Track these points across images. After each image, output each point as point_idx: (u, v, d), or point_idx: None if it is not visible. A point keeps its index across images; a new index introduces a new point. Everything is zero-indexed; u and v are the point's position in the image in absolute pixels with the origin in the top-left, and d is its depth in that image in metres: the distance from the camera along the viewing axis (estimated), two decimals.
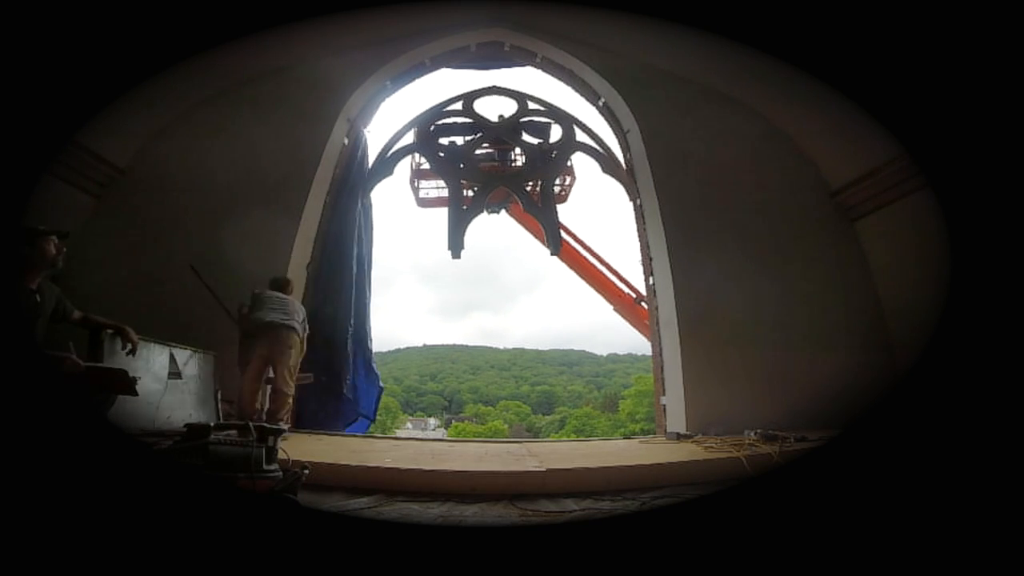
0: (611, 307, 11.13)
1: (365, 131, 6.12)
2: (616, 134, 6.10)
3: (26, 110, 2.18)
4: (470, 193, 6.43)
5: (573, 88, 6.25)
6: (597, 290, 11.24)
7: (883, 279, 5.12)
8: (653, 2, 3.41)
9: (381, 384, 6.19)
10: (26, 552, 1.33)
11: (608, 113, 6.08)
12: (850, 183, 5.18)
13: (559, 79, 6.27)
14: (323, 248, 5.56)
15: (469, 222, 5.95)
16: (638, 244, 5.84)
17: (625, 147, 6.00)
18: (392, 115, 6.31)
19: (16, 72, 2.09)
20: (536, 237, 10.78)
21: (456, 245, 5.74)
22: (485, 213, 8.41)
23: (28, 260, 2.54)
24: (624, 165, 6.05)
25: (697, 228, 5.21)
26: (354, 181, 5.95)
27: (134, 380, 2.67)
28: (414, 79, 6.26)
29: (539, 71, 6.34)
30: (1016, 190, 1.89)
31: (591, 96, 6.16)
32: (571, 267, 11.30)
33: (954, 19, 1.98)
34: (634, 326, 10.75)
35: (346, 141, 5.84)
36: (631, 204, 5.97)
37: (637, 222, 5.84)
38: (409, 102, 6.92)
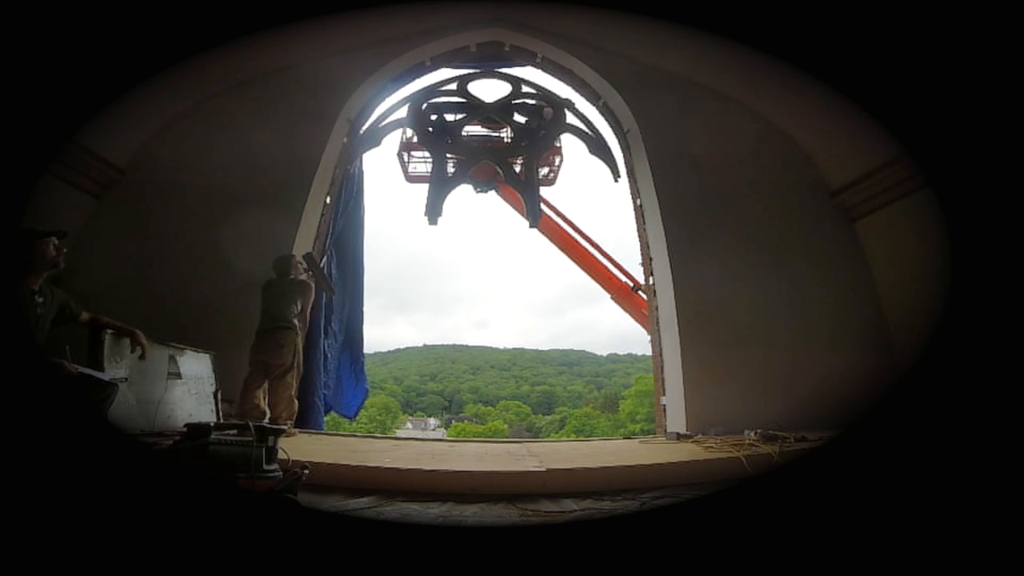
0: (608, 296, 11.08)
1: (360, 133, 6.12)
2: (616, 134, 6.09)
3: (26, 110, 2.18)
4: (452, 172, 6.41)
5: (573, 88, 6.24)
6: (594, 278, 11.19)
7: (883, 279, 5.11)
8: (653, 2, 3.41)
9: (367, 387, 6.27)
10: (26, 552, 1.33)
11: (608, 113, 6.08)
12: (850, 183, 5.17)
13: (559, 79, 6.27)
14: (326, 249, 5.59)
15: (450, 191, 5.95)
16: (638, 244, 5.84)
17: (625, 147, 5.99)
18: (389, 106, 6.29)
19: (16, 72, 2.09)
20: (521, 213, 10.75)
21: (434, 212, 5.73)
22: (474, 191, 8.49)
23: (28, 262, 2.54)
24: (624, 164, 6.06)
25: (697, 228, 5.21)
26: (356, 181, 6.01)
27: (111, 391, 2.63)
28: (414, 79, 6.25)
29: (539, 71, 6.34)
30: (1016, 190, 1.89)
31: (591, 96, 6.15)
32: (567, 254, 11.25)
33: (954, 19, 1.97)
34: (631, 315, 10.65)
35: (345, 141, 5.84)
36: (631, 204, 5.98)
37: (637, 222, 5.84)
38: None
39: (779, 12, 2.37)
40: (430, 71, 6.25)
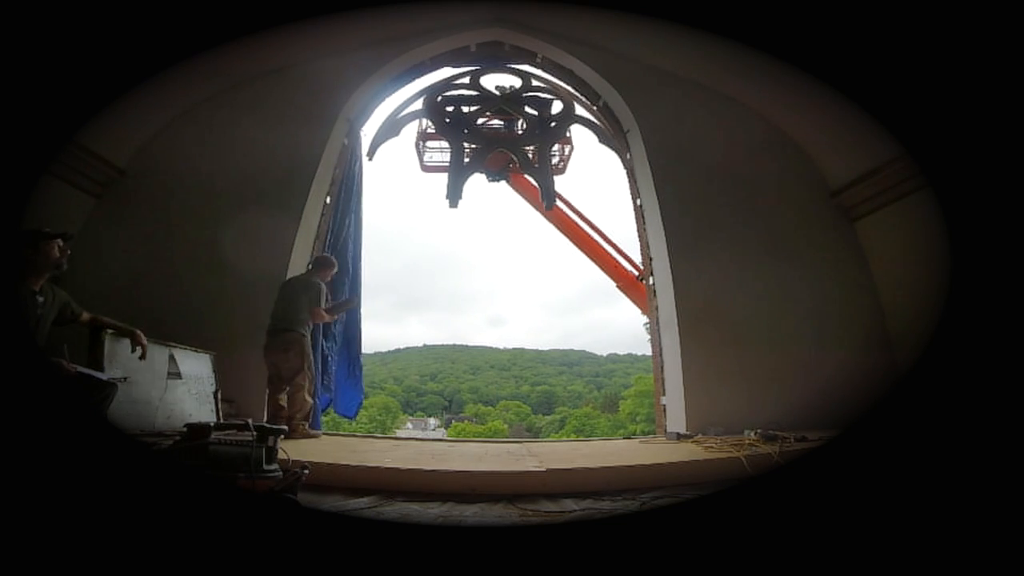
0: (614, 284, 11.19)
1: (362, 132, 6.16)
2: (616, 134, 6.10)
3: (26, 110, 2.18)
4: (468, 160, 6.61)
5: (573, 88, 6.25)
6: (600, 266, 11.30)
7: (883, 279, 5.11)
8: (653, 2, 3.41)
9: (363, 387, 6.33)
10: (26, 552, 1.33)
11: (608, 113, 6.08)
12: (850, 183, 5.17)
13: (559, 79, 6.28)
14: (324, 249, 5.59)
15: (468, 176, 6.26)
16: (639, 244, 5.85)
17: (625, 147, 5.99)
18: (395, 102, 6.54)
19: (16, 72, 2.09)
20: (532, 202, 11.13)
21: (454, 196, 6.06)
22: (486, 180, 8.85)
23: (31, 262, 2.54)
24: (624, 164, 6.06)
25: (697, 228, 5.20)
26: (353, 181, 6.04)
27: (110, 391, 2.65)
28: (414, 79, 6.26)
29: (539, 71, 6.36)
30: (1016, 190, 1.89)
31: (591, 96, 6.15)
32: (574, 243, 11.38)
33: (954, 19, 1.97)
34: (636, 304, 10.81)
35: (346, 141, 5.83)
36: (631, 204, 5.98)
37: (637, 222, 5.84)
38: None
39: (779, 12, 2.37)
40: (430, 71, 6.28)
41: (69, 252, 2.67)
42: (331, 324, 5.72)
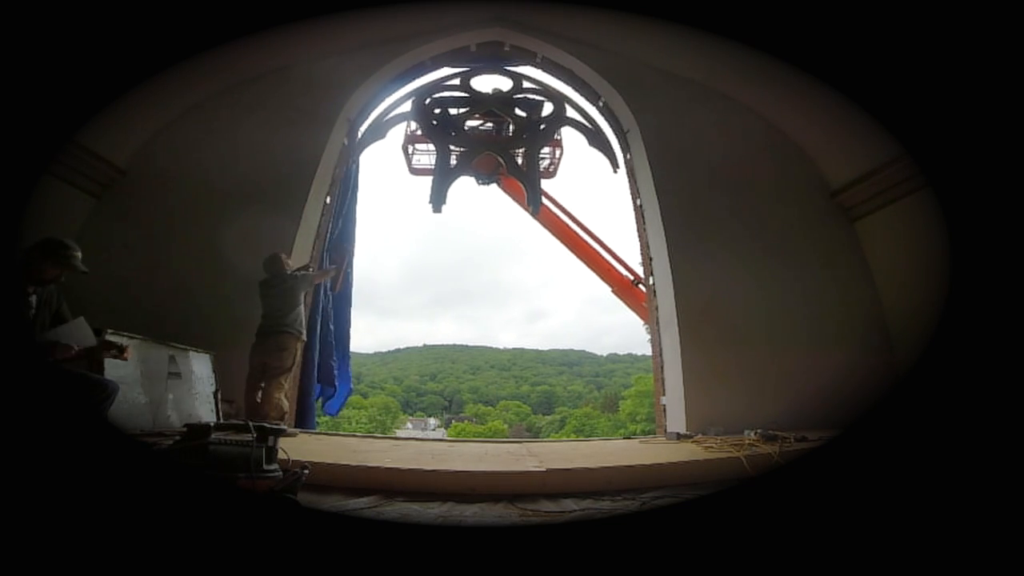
0: (610, 289, 11.17)
1: (360, 132, 6.16)
2: (616, 134, 6.10)
3: (26, 110, 2.18)
4: (455, 163, 6.60)
5: (573, 88, 6.25)
6: (595, 271, 11.27)
7: (883, 279, 5.11)
8: (653, 2, 3.41)
9: (351, 386, 6.33)
10: (26, 552, 1.33)
11: (608, 113, 6.08)
12: (850, 183, 5.18)
13: (559, 79, 6.28)
14: (326, 248, 5.59)
15: (453, 180, 6.22)
16: (638, 244, 5.85)
17: (625, 147, 6.00)
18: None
19: (16, 72, 2.09)
20: (523, 206, 11.01)
21: (438, 200, 6.02)
22: (476, 184, 8.84)
23: (34, 266, 2.53)
24: (624, 164, 6.07)
25: (697, 228, 5.20)
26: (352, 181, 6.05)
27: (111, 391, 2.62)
28: (414, 79, 6.27)
29: (539, 71, 6.36)
30: (1016, 190, 1.89)
31: (591, 96, 6.16)
32: (568, 247, 11.35)
33: (954, 19, 1.98)
34: (631, 308, 10.78)
35: (346, 141, 5.84)
36: (631, 204, 5.98)
37: (637, 222, 5.84)
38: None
39: (779, 12, 2.37)
40: (430, 71, 6.29)
41: (64, 279, 2.66)
42: (327, 324, 5.73)
